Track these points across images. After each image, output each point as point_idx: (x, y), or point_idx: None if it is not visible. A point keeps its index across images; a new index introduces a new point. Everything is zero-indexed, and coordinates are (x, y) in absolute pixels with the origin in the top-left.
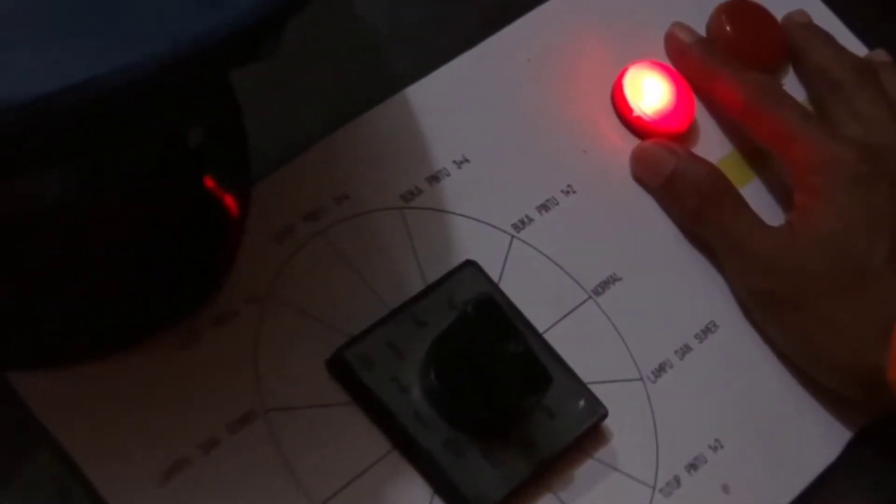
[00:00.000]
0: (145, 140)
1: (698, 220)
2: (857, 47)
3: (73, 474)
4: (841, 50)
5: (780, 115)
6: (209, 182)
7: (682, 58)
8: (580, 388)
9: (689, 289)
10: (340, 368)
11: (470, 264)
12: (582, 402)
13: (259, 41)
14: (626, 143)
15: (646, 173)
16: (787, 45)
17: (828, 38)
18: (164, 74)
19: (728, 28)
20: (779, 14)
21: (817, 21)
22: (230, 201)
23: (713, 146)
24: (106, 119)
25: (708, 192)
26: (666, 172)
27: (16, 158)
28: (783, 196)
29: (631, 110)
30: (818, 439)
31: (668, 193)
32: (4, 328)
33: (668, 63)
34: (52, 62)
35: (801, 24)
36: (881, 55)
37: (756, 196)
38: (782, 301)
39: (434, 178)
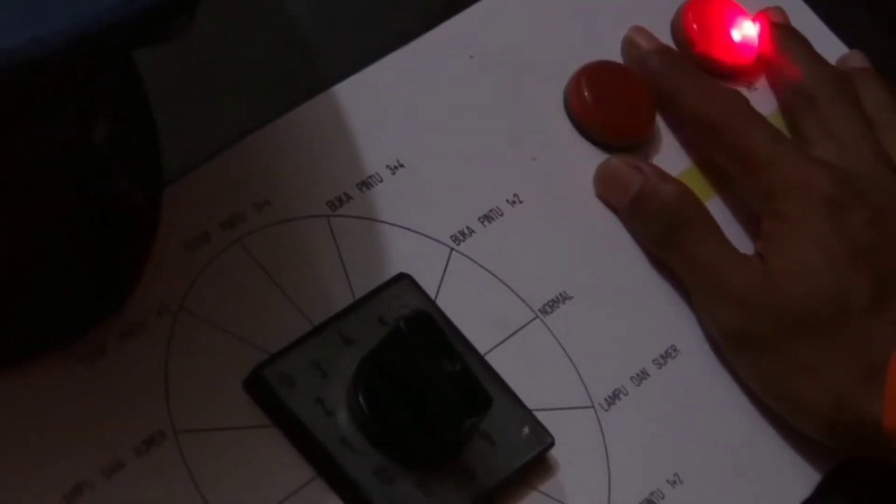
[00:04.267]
0: (40, 128)
1: (665, 247)
2: (836, 46)
3: None
4: (818, 60)
5: (748, 135)
6: (114, 182)
7: (641, 67)
8: (524, 415)
9: (648, 310)
10: (259, 387)
11: (403, 277)
12: (526, 430)
13: (167, 20)
14: (580, 151)
15: (610, 192)
16: (759, 49)
17: (805, 45)
18: (63, 52)
19: (695, 26)
20: (756, 10)
21: (795, 19)
22: (138, 204)
23: (674, 157)
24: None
25: (676, 214)
26: (631, 192)
27: None
28: (748, 216)
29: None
30: (786, 477)
31: (634, 215)
32: None
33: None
34: None
35: (777, 25)
36: (858, 58)
37: (718, 215)
38: (755, 341)
39: (365, 185)
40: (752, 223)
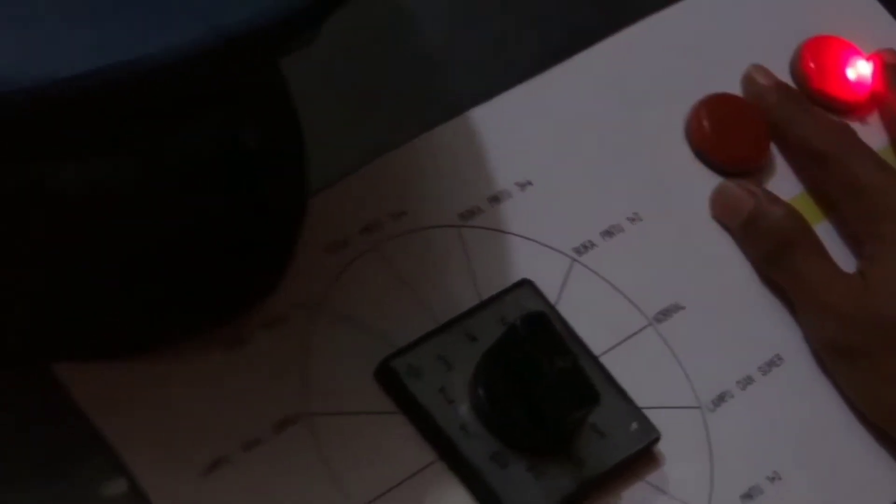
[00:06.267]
0: (199, 132)
1: (774, 264)
2: None
3: (117, 465)
4: None
5: (856, 162)
6: (265, 188)
7: (758, 100)
8: (633, 411)
9: (756, 322)
10: (388, 377)
11: (525, 283)
12: (634, 425)
13: (296, 33)
14: (698, 174)
15: (724, 213)
16: (873, 84)
17: None
18: (207, 55)
19: (812, 64)
20: (871, 49)
21: (851, 3)
22: (286, 209)
23: (787, 184)
24: (153, 97)
25: (786, 234)
26: (744, 213)
27: (72, 131)
28: (852, 239)
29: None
30: (878, 478)
31: (746, 235)
32: (52, 321)
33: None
34: (104, 40)
35: (890, 66)
36: None
37: (825, 237)
38: (853, 352)
39: (495, 199)
40: (855, 245)
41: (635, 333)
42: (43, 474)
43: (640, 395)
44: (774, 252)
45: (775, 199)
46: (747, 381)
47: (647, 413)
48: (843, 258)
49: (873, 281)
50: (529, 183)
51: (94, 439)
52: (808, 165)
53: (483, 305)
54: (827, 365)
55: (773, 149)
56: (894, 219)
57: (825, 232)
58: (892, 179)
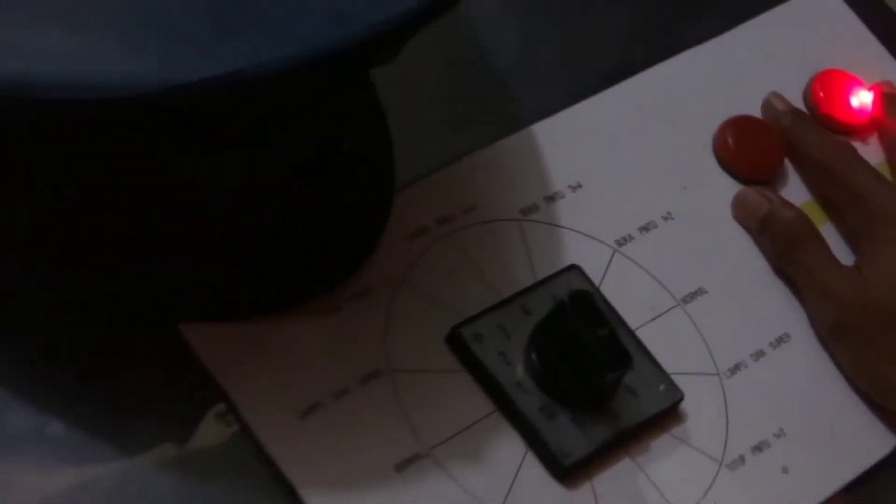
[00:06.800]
0: (304, 137)
1: (785, 257)
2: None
3: (232, 409)
4: None
5: (856, 175)
6: (359, 184)
7: (775, 122)
8: (661, 375)
9: (768, 305)
10: (456, 342)
11: (574, 268)
12: (662, 386)
13: (384, 49)
14: (722, 182)
15: (743, 215)
16: (872, 110)
17: None
18: (309, 66)
19: (821, 93)
20: (873, 81)
21: (856, 41)
22: (375, 202)
23: (798, 191)
24: (267, 100)
25: (795, 233)
26: (760, 215)
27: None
28: (851, 239)
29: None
30: (872, 437)
31: (762, 233)
32: (182, 288)
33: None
34: (230, 51)
35: (888, 95)
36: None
37: (829, 237)
38: (851, 333)
39: (551, 198)
40: (854, 244)
41: (665, 312)
42: (170, 416)
43: (668, 362)
44: (785, 248)
45: (787, 204)
46: (759, 354)
47: (674, 378)
48: (844, 255)
49: (868, 273)
50: (580, 185)
51: (213, 387)
52: (816, 177)
53: (537, 285)
54: (827, 342)
55: (787, 163)
56: (887, 222)
57: (829, 233)
58: (886, 189)
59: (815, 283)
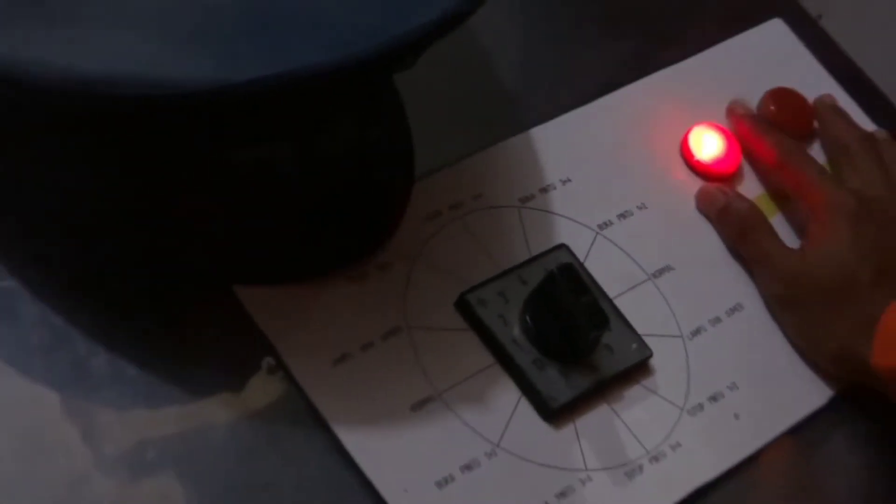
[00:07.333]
0: (335, 131)
1: (740, 241)
2: (868, 124)
3: (277, 359)
4: (853, 124)
5: (803, 170)
6: (383, 173)
7: (737, 124)
8: (633, 336)
9: (725, 281)
10: (464, 306)
11: (562, 246)
12: (634, 345)
13: (405, 57)
14: (688, 180)
15: (704, 206)
16: (814, 119)
17: (844, 115)
18: (345, 70)
19: (772, 107)
20: (814, 96)
21: (805, 70)
22: (397, 189)
23: (752, 187)
24: (304, 97)
25: (748, 221)
26: (719, 206)
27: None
28: (797, 227)
29: (693, 156)
30: (810, 390)
31: (720, 221)
32: (238, 254)
33: (723, 125)
34: (272, 52)
35: (826, 104)
36: (883, 133)
37: (779, 225)
38: (793, 303)
39: (544, 189)
40: (799, 231)
41: (638, 284)
42: (227, 365)
43: (640, 325)
44: (739, 233)
45: (742, 198)
46: (716, 321)
47: (644, 338)
48: (791, 241)
49: (809, 253)
50: (569, 179)
51: (262, 340)
52: (768, 172)
53: (532, 260)
54: (774, 312)
55: (743, 163)
56: (829, 210)
57: (779, 223)
58: (828, 182)
59: (763, 261)
